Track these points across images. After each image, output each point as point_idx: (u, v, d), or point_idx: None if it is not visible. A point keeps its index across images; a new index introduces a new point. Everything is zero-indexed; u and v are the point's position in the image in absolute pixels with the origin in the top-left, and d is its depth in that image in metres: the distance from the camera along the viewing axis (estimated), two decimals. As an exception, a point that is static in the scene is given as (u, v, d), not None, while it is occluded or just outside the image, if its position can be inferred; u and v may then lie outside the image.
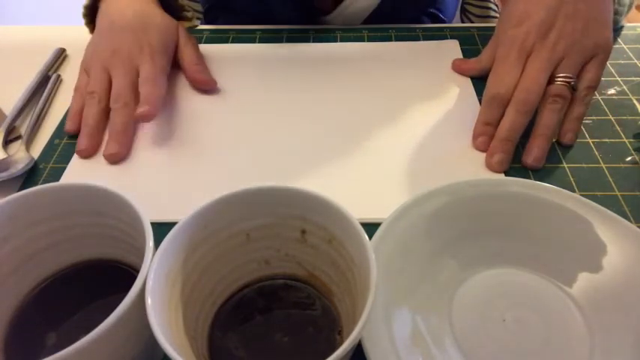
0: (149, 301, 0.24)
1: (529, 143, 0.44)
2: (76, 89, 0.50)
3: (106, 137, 0.47)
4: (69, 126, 0.48)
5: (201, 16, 0.76)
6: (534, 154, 0.43)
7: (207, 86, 0.52)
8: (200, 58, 0.54)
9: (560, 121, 0.45)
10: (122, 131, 0.46)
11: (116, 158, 0.45)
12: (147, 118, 0.46)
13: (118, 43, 0.50)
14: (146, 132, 0.48)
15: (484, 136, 0.45)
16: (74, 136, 0.48)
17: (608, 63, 0.55)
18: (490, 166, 0.43)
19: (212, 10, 0.72)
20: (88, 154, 0.46)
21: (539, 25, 0.46)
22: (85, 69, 0.51)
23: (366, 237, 0.27)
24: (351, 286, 0.29)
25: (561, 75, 0.45)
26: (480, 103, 0.50)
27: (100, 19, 0.54)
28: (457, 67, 0.54)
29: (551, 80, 0.45)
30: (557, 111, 0.44)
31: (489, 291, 0.35)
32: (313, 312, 0.31)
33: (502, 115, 0.45)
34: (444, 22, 0.69)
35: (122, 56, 0.49)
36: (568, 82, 0.45)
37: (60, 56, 0.58)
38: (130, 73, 0.48)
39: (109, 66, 0.49)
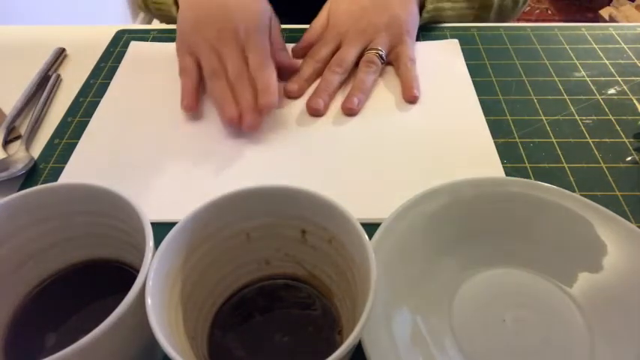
0: (149, 301, 0.24)
1: (349, 93, 0.50)
2: (184, 71, 0.51)
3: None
4: (189, 104, 0.49)
5: None
6: (352, 100, 0.49)
7: (292, 69, 0.54)
8: (283, 41, 0.55)
9: (374, 81, 0.52)
10: (254, 102, 0.47)
11: (256, 128, 0.47)
12: (269, 107, 0.47)
13: (221, 21, 0.50)
14: (146, 132, 0.48)
15: (296, 85, 0.52)
16: (74, 136, 0.48)
17: (608, 63, 0.55)
18: (309, 110, 0.49)
19: None
20: (236, 123, 0.46)
21: (351, 23, 0.54)
22: (189, 49, 0.51)
23: (366, 237, 0.27)
24: (351, 286, 0.29)
25: (372, 45, 0.53)
26: (480, 104, 0.50)
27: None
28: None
29: (362, 54, 0.53)
30: (370, 73, 0.52)
31: (489, 291, 0.35)
32: (313, 312, 0.31)
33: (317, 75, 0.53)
34: None
35: (229, 36, 0.49)
36: (377, 53, 0.52)
37: (60, 56, 0.58)
38: (241, 54, 0.49)
39: (217, 46, 0.49)
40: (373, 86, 0.52)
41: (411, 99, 0.50)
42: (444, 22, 0.62)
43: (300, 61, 0.55)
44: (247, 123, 0.46)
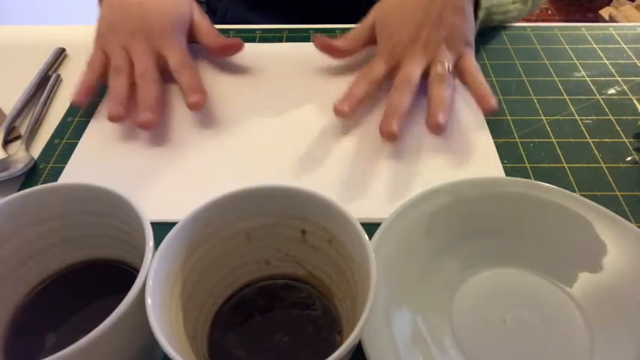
0: (149, 301, 0.24)
1: (428, 112, 0.45)
2: (90, 64, 0.50)
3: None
4: (78, 98, 0.47)
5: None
6: (437, 117, 0.44)
7: (236, 49, 0.53)
8: (216, 29, 0.54)
9: (452, 97, 0.48)
10: (154, 101, 0.46)
11: (150, 126, 0.45)
12: (200, 106, 0.46)
13: (135, 22, 0.49)
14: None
15: (347, 106, 0.46)
16: (74, 136, 0.48)
17: (608, 63, 0.55)
18: (384, 134, 0.44)
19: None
20: (119, 120, 0.46)
21: (407, 41, 0.49)
22: (102, 46, 0.50)
23: (366, 237, 0.27)
24: (351, 286, 0.29)
25: (437, 60, 0.48)
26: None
27: None
28: (322, 46, 0.53)
29: (427, 70, 0.48)
30: (445, 88, 0.46)
31: (489, 291, 0.35)
32: (313, 312, 0.31)
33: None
34: None
35: (142, 36, 0.49)
36: (446, 68, 0.48)
37: (60, 56, 0.58)
38: (152, 55, 0.49)
39: (129, 46, 0.49)
40: (453, 103, 0.48)
41: (490, 110, 0.46)
42: (492, 24, 0.60)
43: (239, 40, 0.53)
44: (139, 120, 0.45)
